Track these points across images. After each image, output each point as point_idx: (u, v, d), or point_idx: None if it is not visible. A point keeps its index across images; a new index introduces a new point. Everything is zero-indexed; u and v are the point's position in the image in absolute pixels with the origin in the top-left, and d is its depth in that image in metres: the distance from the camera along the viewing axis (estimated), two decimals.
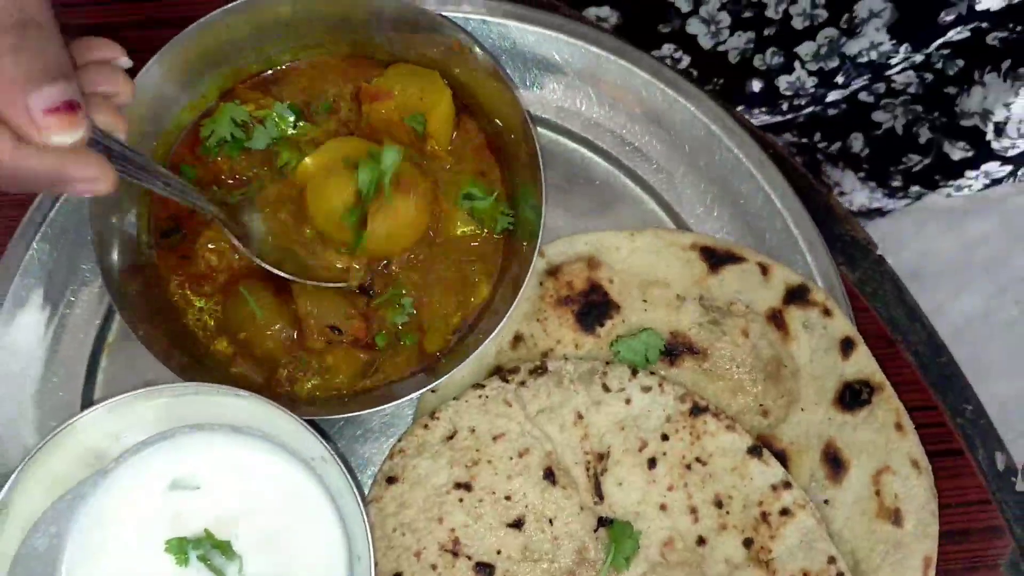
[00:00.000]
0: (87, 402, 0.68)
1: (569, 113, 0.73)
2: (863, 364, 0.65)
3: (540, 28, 0.72)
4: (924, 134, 0.98)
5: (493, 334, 0.62)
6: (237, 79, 0.68)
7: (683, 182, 0.72)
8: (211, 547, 0.61)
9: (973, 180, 0.98)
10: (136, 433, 0.61)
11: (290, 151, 0.67)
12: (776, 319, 0.67)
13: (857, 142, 1.03)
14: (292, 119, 0.68)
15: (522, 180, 0.66)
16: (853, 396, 0.65)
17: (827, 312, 0.66)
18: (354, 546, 0.61)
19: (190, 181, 0.66)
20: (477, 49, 0.65)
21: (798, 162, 0.76)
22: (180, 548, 0.61)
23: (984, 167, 0.96)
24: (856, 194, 1.14)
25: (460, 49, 0.66)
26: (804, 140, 1.10)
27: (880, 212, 1.23)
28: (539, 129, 0.73)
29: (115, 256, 0.62)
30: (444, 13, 0.69)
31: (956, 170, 0.97)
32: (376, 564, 0.60)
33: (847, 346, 0.66)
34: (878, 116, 1.01)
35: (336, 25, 0.67)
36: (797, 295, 0.67)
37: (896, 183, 1.06)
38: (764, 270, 0.68)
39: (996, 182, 0.99)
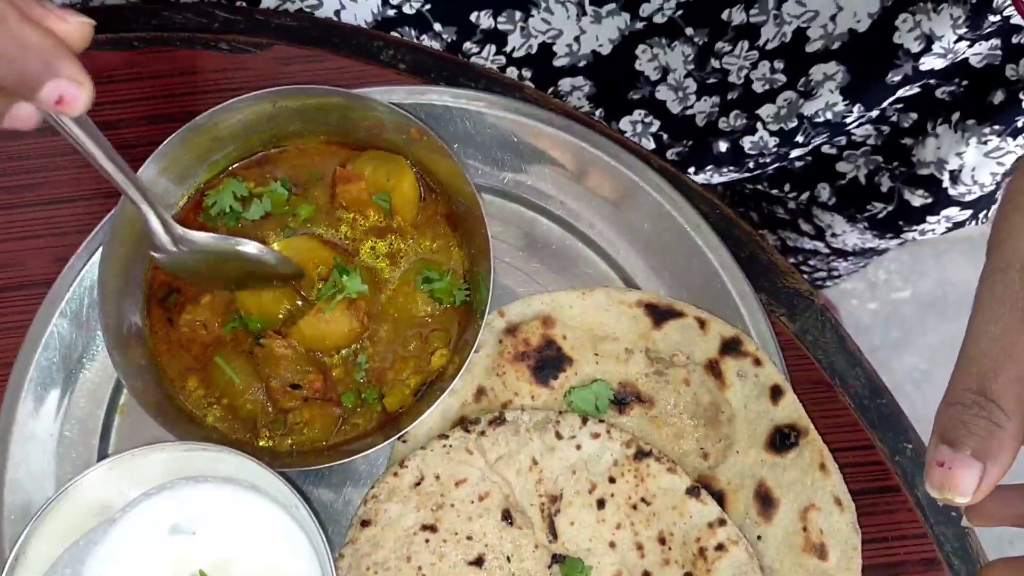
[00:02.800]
0: (102, 456, 0.79)
1: (526, 186, 0.83)
2: (791, 410, 0.73)
3: (499, 111, 0.82)
4: (885, 183, 1.05)
5: (446, 392, 0.72)
6: (227, 166, 0.80)
7: (630, 248, 0.82)
8: None
9: (936, 224, 1.05)
10: (140, 485, 0.72)
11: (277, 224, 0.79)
12: (713, 368, 0.76)
13: (824, 192, 1.11)
14: (286, 193, 0.80)
15: (477, 251, 0.77)
16: (782, 439, 0.73)
17: (758, 362, 0.75)
18: None
19: None
20: (433, 136, 0.76)
21: (745, 225, 0.84)
22: None
23: (944, 212, 1.03)
24: (847, 236, 1.22)
25: (419, 136, 0.76)
26: (774, 192, 1.19)
27: (875, 251, 1.30)
28: (500, 200, 0.83)
29: (122, 336, 0.73)
30: (408, 101, 0.81)
31: (918, 216, 1.05)
32: None
33: (776, 393, 0.74)
34: (841, 167, 1.09)
35: (313, 117, 0.79)
36: (731, 346, 0.76)
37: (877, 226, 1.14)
38: (702, 324, 0.77)
39: (958, 225, 1.06)
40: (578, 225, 0.82)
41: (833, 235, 1.24)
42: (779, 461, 0.73)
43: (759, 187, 1.19)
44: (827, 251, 1.30)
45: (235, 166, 0.80)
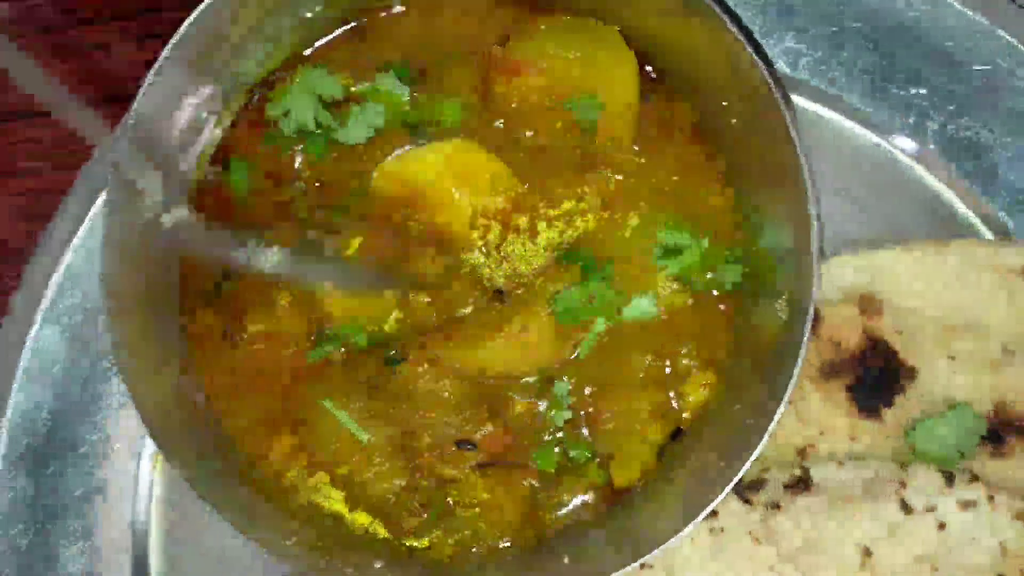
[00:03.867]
0: None
1: (816, 70, 0.48)
2: None
3: None
4: None
5: (747, 463, 0.40)
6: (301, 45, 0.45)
7: (1006, 156, 0.48)
8: None
9: None
10: None
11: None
12: None
13: None
14: (406, 91, 0.44)
15: (765, 192, 0.43)
16: None
17: None
18: None
19: (240, 180, 0.44)
20: None
21: None
22: None
23: None
24: None
25: None
26: None
27: None
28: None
29: (151, 373, 0.42)
30: None
31: None
32: None
33: None
34: None
35: None
36: None
37: None
38: None
39: None
40: (907, 133, 0.48)
41: None
42: None
43: None
44: None
45: (318, 44, 0.44)
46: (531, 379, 0.45)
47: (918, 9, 0.50)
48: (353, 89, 0.45)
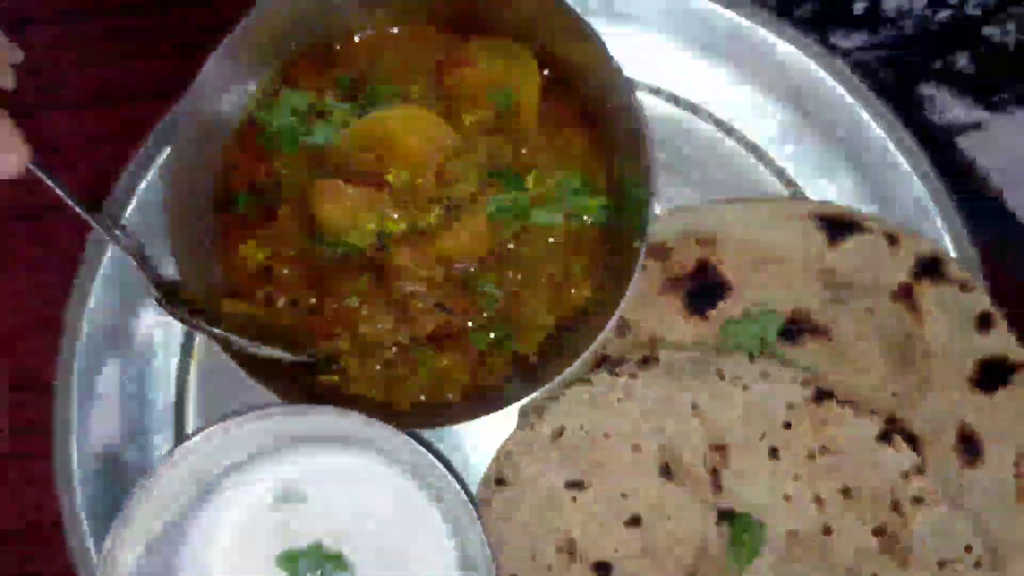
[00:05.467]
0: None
1: (668, 75, 0.70)
2: (1002, 342, 0.64)
3: None
4: None
5: (596, 342, 0.62)
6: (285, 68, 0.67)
7: (801, 149, 0.70)
8: (323, 559, 0.64)
9: None
10: (240, 452, 0.62)
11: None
12: (907, 295, 0.66)
13: (963, 59, 0.99)
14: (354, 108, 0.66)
15: (624, 157, 0.64)
16: (991, 376, 0.64)
17: (964, 287, 0.65)
18: (468, 551, 0.63)
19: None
20: (571, 10, 0.62)
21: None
22: (291, 561, 0.64)
23: None
24: (950, 112, 1.10)
25: (550, 12, 0.63)
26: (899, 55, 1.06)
27: (976, 126, 1.19)
28: (641, 96, 0.71)
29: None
30: None
31: None
32: (497, 569, 0.62)
33: (985, 322, 0.65)
34: (988, 30, 0.96)
35: None
36: (930, 268, 0.66)
37: (999, 98, 1.02)
38: (892, 240, 0.66)
39: None
40: (738, 125, 0.70)
41: (939, 113, 1.12)
42: (987, 401, 0.64)
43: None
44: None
45: (294, 64, 0.67)
46: (472, 268, 0.66)
47: None
48: (320, 104, 0.66)
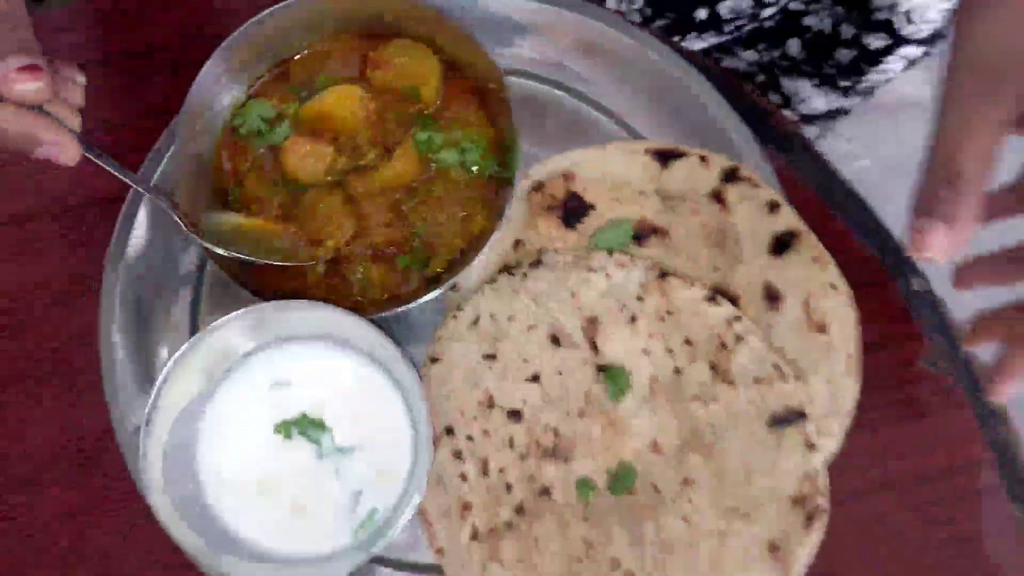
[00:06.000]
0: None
1: (537, 62, 0.98)
2: (787, 219, 0.88)
3: None
4: (847, 31, 1.21)
5: (487, 245, 0.87)
6: (275, 64, 0.94)
7: (636, 107, 0.96)
8: (308, 424, 0.87)
9: (895, 64, 1.21)
10: (246, 344, 0.86)
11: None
12: (717, 197, 0.91)
13: (794, 46, 1.26)
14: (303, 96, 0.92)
15: (503, 124, 0.91)
16: (781, 245, 0.88)
17: (755, 184, 0.90)
18: (414, 412, 0.86)
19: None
20: (454, 22, 0.90)
21: (732, 76, 0.99)
22: (285, 427, 0.87)
23: (901, 51, 1.19)
24: (812, 100, 1.37)
25: (440, 22, 0.90)
26: (761, 58, 1.34)
27: (842, 112, 1.46)
28: (515, 78, 0.97)
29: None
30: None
31: (877, 58, 1.21)
32: (429, 417, 0.85)
33: (773, 207, 0.89)
34: (808, 21, 1.24)
35: (341, 16, 0.92)
36: (731, 175, 0.90)
37: (841, 83, 1.30)
38: (704, 160, 0.92)
39: (912, 63, 1.22)
40: (588, 92, 0.97)
41: (801, 101, 1.39)
42: (780, 263, 0.88)
43: (733, 65, 1.34)
44: (796, 118, 1.45)
45: (263, 78, 0.94)
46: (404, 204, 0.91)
47: None
48: (281, 109, 0.91)
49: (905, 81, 1.37)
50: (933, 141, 0.68)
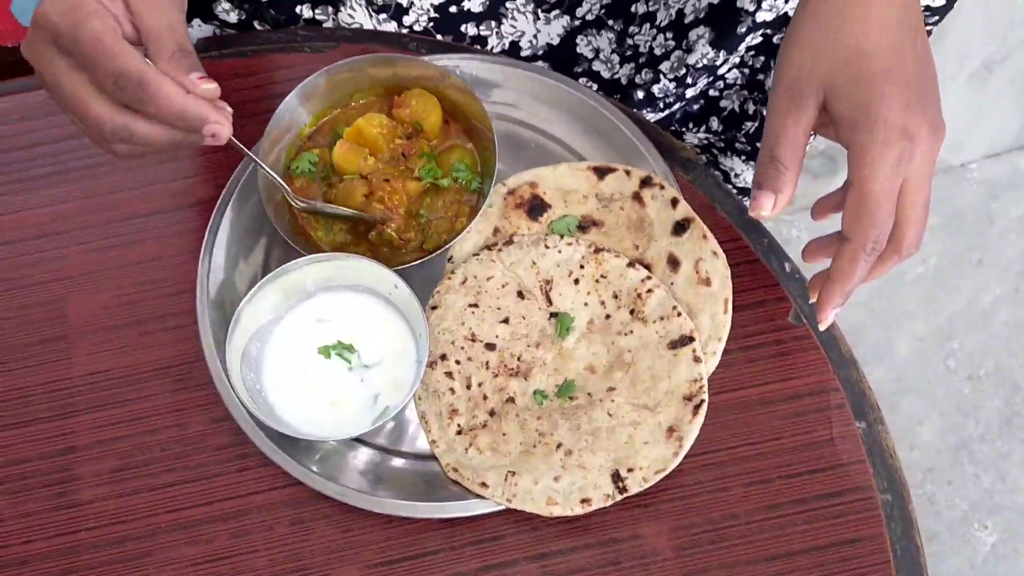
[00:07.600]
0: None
1: (509, 106, 1.39)
2: (684, 210, 1.25)
3: (490, 65, 1.38)
4: (751, 108, 1.62)
5: (469, 228, 1.23)
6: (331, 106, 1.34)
7: (582, 141, 1.36)
8: (342, 348, 1.23)
9: None
10: (298, 291, 1.23)
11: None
12: (637, 197, 1.29)
13: (714, 122, 1.68)
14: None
15: (486, 153, 1.30)
16: (680, 228, 1.25)
17: (663, 187, 1.28)
18: (419, 344, 1.22)
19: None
20: (456, 79, 1.31)
21: (652, 124, 1.39)
22: (326, 350, 1.22)
23: None
24: (746, 174, 1.77)
25: (444, 77, 1.32)
26: (703, 137, 1.75)
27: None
28: (495, 121, 1.39)
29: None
30: (436, 63, 1.36)
31: None
32: (429, 347, 1.21)
33: (675, 203, 1.26)
34: (724, 103, 1.66)
35: (374, 75, 1.33)
36: (646, 182, 1.29)
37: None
38: (628, 173, 1.29)
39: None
40: (545, 128, 1.36)
41: (736, 175, 1.79)
42: (678, 240, 1.25)
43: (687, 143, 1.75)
44: (735, 191, 1.86)
45: (311, 131, 1.33)
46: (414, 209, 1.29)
47: None
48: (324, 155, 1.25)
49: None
50: (764, 134, 1.07)
